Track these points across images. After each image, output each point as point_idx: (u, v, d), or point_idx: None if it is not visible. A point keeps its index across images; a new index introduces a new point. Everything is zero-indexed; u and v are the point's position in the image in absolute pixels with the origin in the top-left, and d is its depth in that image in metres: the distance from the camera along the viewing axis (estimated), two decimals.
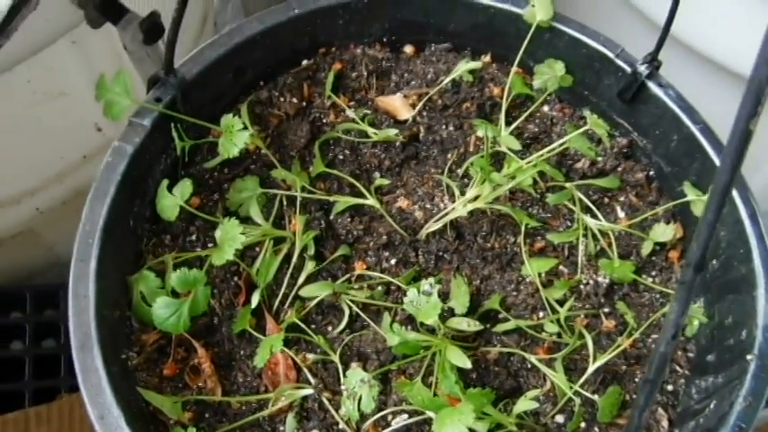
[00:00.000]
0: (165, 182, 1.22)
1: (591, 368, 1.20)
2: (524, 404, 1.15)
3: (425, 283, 1.12)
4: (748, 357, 1.11)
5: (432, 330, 1.17)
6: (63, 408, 1.89)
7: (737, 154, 0.53)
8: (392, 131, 1.43)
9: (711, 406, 1.14)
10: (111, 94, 1.18)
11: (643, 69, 1.38)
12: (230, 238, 1.13)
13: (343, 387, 1.15)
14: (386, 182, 1.40)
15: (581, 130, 1.36)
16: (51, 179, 1.89)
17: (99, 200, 1.13)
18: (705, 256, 0.59)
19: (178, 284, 1.09)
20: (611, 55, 1.42)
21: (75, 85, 1.74)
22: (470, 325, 1.18)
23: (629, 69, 1.40)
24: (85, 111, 1.79)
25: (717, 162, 1.31)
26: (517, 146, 1.41)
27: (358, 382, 1.10)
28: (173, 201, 1.19)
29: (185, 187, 1.19)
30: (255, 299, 1.21)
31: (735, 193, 1.26)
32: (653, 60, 1.38)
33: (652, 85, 1.39)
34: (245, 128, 1.21)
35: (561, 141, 1.37)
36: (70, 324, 1.03)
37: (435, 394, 1.10)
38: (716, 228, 0.57)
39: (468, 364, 1.09)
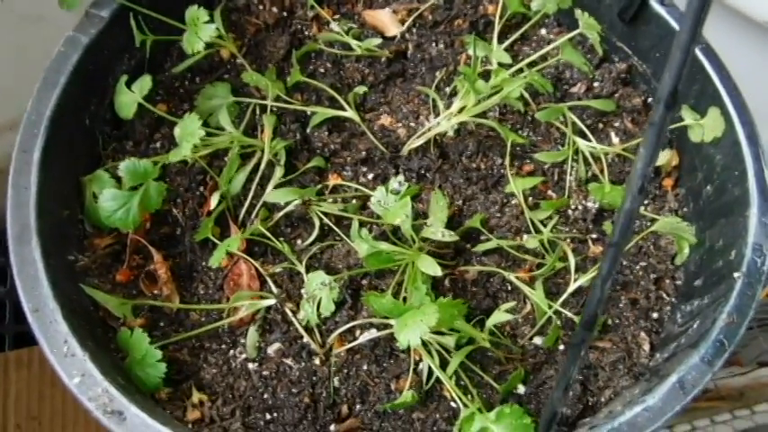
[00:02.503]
0: (125, 78, 1.14)
1: (571, 287, 1.13)
2: (498, 317, 1.08)
3: (394, 181, 1.05)
4: (735, 275, 1.05)
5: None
6: (44, 352, 1.85)
7: None
8: (376, 41, 1.35)
9: (694, 326, 1.07)
10: None
11: None
12: (188, 133, 1.06)
13: (303, 291, 1.08)
14: (364, 89, 1.32)
15: (573, 33, 1.28)
16: None
17: (47, 90, 1.07)
18: (677, 88, 0.51)
19: (127, 175, 1.02)
20: None
21: (53, 8, 1.67)
22: (445, 235, 1.10)
23: None
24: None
25: (718, 83, 1.23)
26: (508, 60, 1.33)
27: (318, 285, 1.03)
28: (131, 97, 1.12)
29: (144, 83, 1.12)
30: (215, 201, 1.13)
31: (733, 114, 1.19)
32: None
33: (654, 4, 1.31)
34: (212, 21, 1.14)
35: (551, 47, 1.29)
36: (8, 216, 0.97)
37: None
38: (690, 52, 0.50)
39: (438, 272, 1.02)
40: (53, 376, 1.81)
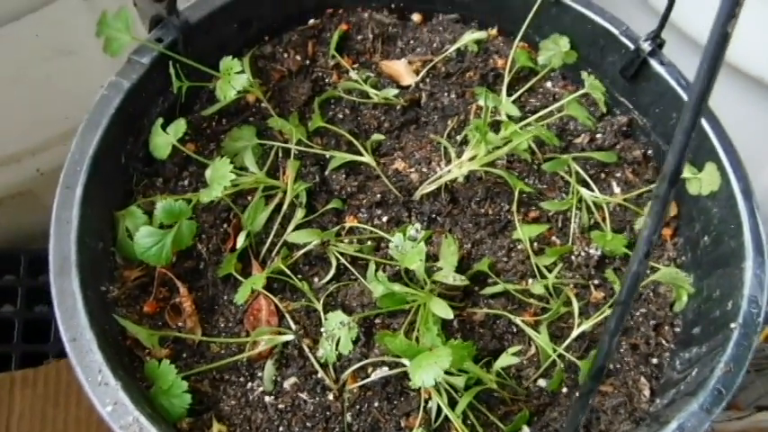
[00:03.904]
0: (160, 120, 1.22)
1: (575, 332, 1.19)
2: (505, 360, 1.14)
3: (411, 228, 1.12)
4: (732, 326, 1.11)
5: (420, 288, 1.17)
6: (50, 372, 1.88)
7: (714, 57, 0.52)
8: (392, 92, 1.42)
9: (693, 373, 1.13)
10: (112, 30, 1.18)
11: (646, 46, 1.38)
12: (220, 176, 1.13)
13: (322, 329, 1.14)
14: (381, 137, 1.39)
15: (578, 93, 1.35)
16: (54, 140, 1.87)
17: (91, 130, 1.13)
18: (680, 167, 0.58)
19: (162, 215, 1.09)
20: (615, 32, 1.41)
21: (85, 44, 1.74)
22: (456, 279, 1.16)
23: (632, 46, 1.40)
24: (94, 71, 1.78)
25: (714, 140, 1.30)
26: (516, 113, 1.40)
27: (337, 325, 1.09)
28: (165, 139, 1.19)
29: (179, 126, 1.19)
30: (241, 240, 1.20)
31: (729, 170, 1.26)
32: (656, 38, 1.37)
33: (654, 63, 1.38)
34: (243, 71, 1.21)
35: (558, 105, 1.36)
36: (50, 249, 1.03)
37: None
38: (692, 137, 0.56)
39: (450, 315, 1.08)
40: (57, 397, 1.87)
